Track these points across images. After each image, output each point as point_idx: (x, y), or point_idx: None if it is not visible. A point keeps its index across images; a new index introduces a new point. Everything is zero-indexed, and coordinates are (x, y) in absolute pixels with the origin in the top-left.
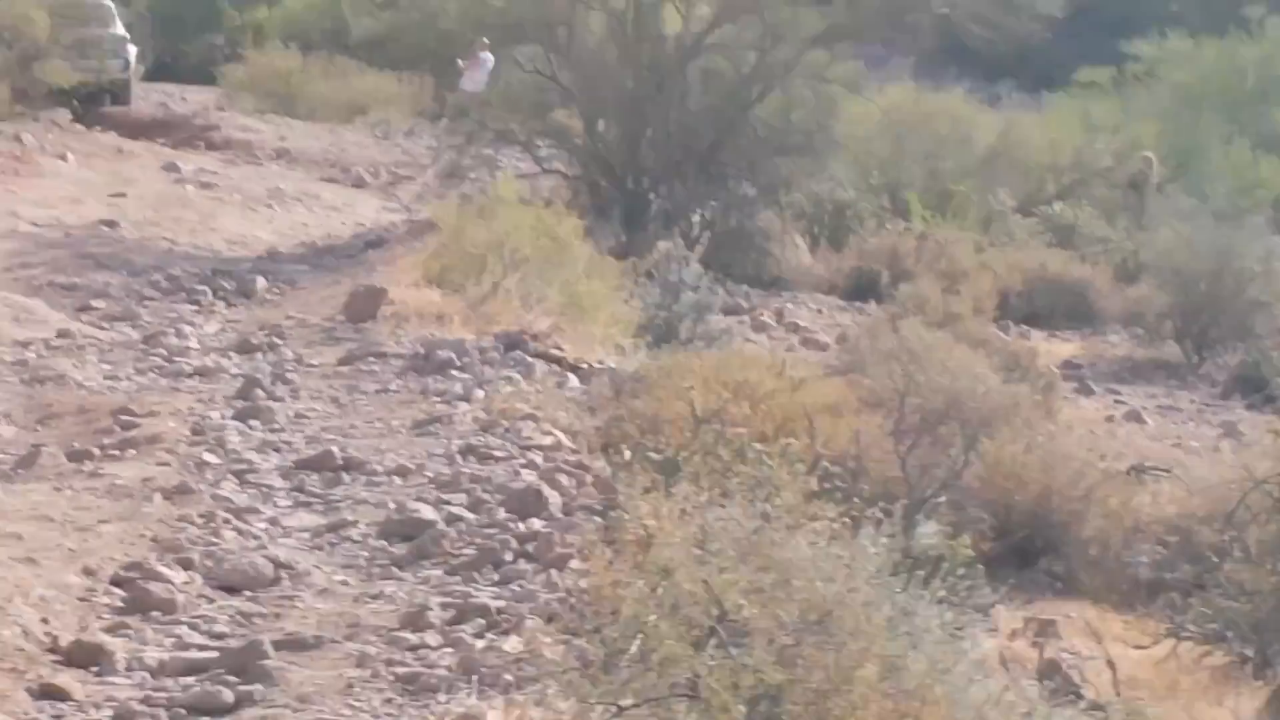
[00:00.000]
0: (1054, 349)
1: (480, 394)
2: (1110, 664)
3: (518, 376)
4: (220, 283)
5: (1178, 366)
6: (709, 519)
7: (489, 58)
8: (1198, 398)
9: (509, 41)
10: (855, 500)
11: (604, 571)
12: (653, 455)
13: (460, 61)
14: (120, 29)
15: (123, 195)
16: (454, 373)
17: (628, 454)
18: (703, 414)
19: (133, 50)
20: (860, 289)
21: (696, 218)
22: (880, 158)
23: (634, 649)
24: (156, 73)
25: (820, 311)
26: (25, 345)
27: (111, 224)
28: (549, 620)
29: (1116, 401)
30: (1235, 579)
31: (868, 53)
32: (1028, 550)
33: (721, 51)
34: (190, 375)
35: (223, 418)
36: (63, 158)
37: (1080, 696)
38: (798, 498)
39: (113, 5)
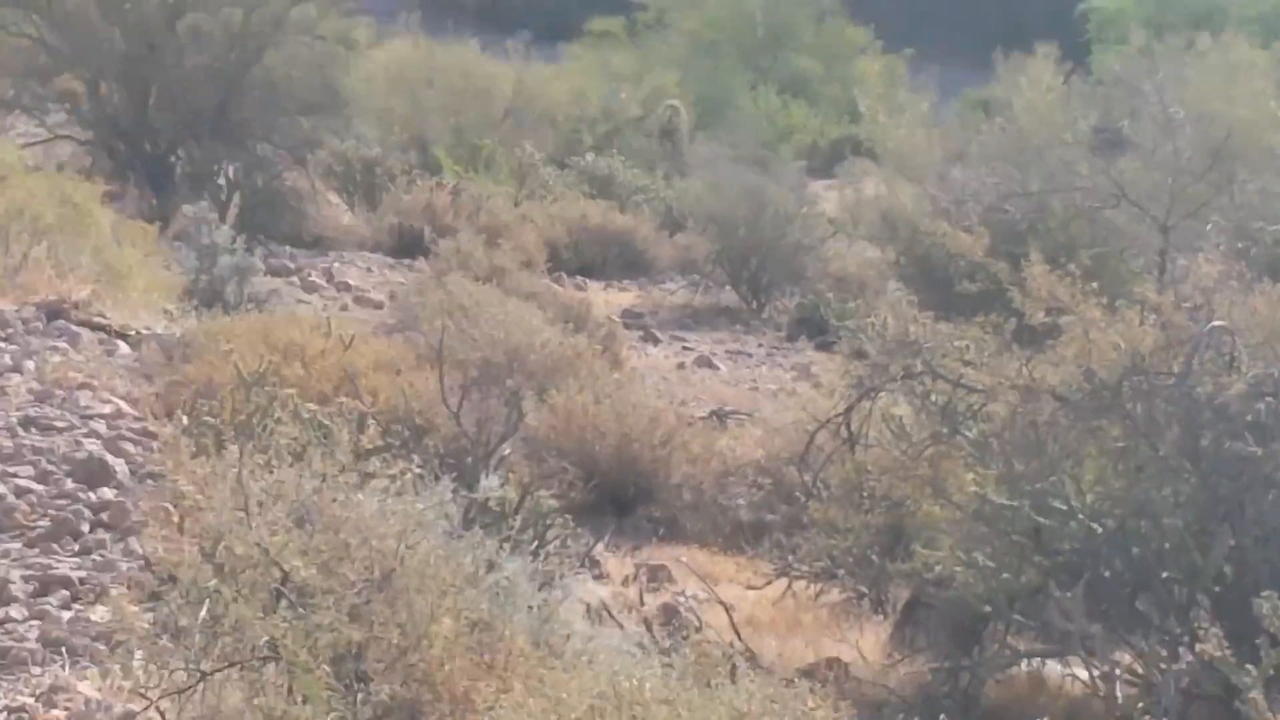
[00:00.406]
0: (612, 299)
1: (30, 365)
2: (725, 606)
3: (65, 346)
4: None
5: (739, 311)
6: (261, 482)
7: None
8: (765, 342)
9: None
10: (415, 458)
11: (160, 539)
12: (208, 420)
13: None
14: None
15: None
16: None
17: (184, 420)
18: (250, 377)
19: None
20: (405, 246)
21: (222, 180)
22: (400, 114)
23: (204, 614)
24: None
25: (370, 270)
26: None
27: None
28: (130, 588)
29: (685, 349)
30: (827, 518)
31: (376, 6)
32: (622, 499)
33: (206, 8)
34: None
35: None
36: None
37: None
38: (350, 457)
39: None
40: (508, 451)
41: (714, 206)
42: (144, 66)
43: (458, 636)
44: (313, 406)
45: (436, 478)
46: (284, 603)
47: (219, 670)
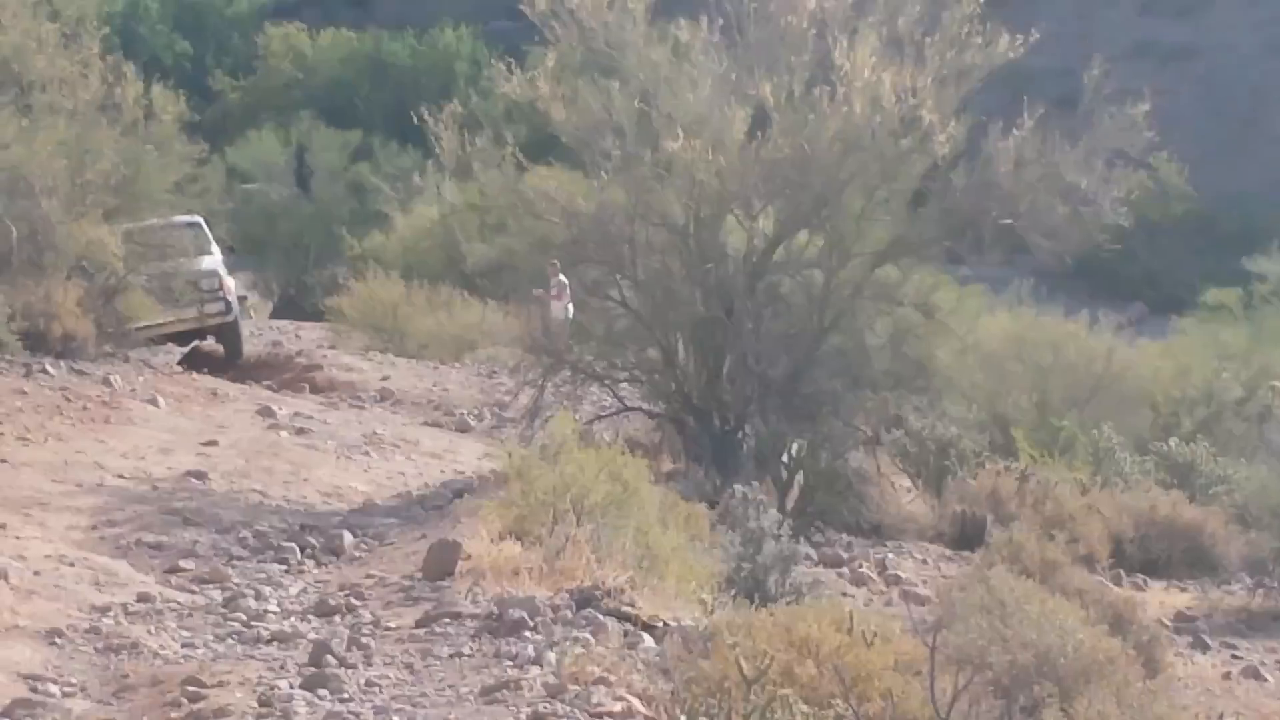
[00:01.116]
0: (1169, 599)
1: (551, 656)
2: None
3: (589, 637)
4: (309, 539)
5: None
6: None
7: (564, 280)
8: None
9: (574, 262)
10: None
11: None
12: None
13: (537, 291)
14: (213, 262)
15: (214, 444)
16: (526, 634)
17: None
18: (752, 675)
19: (231, 286)
20: (966, 536)
21: (785, 458)
22: (985, 390)
23: None
24: (282, 308)
25: (925, 562)
26: (103, 611)
27: (201, 475)
28: None
29: (1234, 657)
30: None
31: (988, 274)
32: None
33: (787, 271)
34: (268, 641)
35: (291, 687)
36: (154, 403)
37: None
38: None
39: (205, 229)
40: None
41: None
42: (719, 332)
43: None
44: (805, 709)
45: None
46: None
47: None
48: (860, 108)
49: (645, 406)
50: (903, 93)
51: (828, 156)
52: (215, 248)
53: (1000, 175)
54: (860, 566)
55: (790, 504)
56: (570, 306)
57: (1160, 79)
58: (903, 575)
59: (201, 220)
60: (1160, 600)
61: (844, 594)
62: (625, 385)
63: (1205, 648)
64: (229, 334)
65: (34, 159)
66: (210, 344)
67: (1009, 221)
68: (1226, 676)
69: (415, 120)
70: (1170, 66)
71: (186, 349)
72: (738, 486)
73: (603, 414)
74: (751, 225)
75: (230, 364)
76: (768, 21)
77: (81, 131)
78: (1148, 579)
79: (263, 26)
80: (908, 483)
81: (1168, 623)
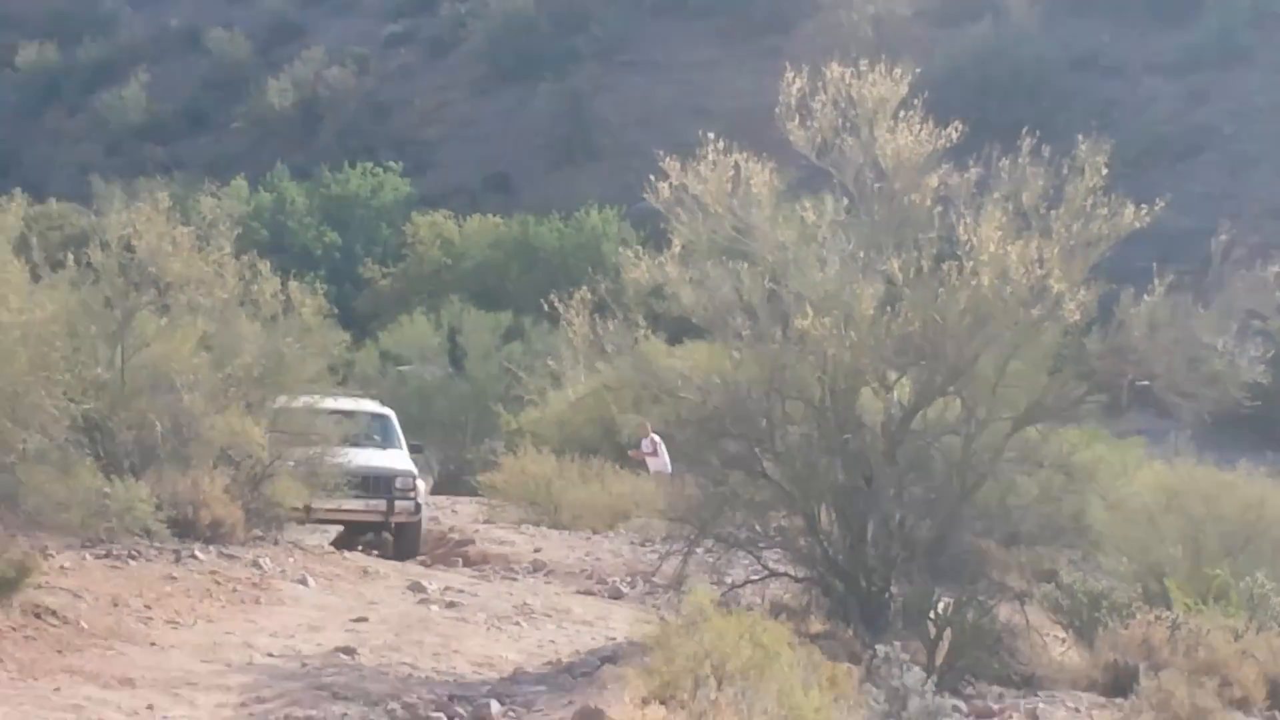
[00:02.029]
0: None
1: None
2: None
3: None
4: (457, 709)
5: None
6: None
7: (657, 438)
8: None
9: (711, 437)
10: None
11: None
12: None
13: (632, 451)
14: (405, 459)
15: (364, 620)
16: None
17: None
18: None
19: (424, 488)
20: (1118, 685)
21: (933, 615)
22: (1139, 540)
23: None
24: (442, 483)
25: (1078, 710)
26: None
27: (350, 651)
28: None
29: None
30: None
31: (1147, 425)
32: None
33: (925, 439)
34: None
35: None
36: (303, 582)
37: None
38: None
39: (394, 422)
40: None
41: None
42: (861, 499)
43: None
44: None
45: None
46: None
47: None
48: (988, 280)
49: (790, 571)
50: (1030, 264)
51: (959, 328)
52: (402, 442)
53: (1135, 339)
54: (1010, 717)
55: (939, 659)
56: (668, 461)
57: None
58: None
59: (391, 413)
60: None
61: None
62: (771, 550)
63: None
64: (409, 533)
65: (174, 355)
66: (376, 537)
67: (1146, 383)
68: None
69: (549, 306)
70: None
71: (343, 534)
72: (880, 646)
73: (752, 579)
74: (887, 396)
75: (400, 558)
76: (892, 200)
77: (220, 328)
78: None
79: (410, 216)
80: (1060, 634)
81: None
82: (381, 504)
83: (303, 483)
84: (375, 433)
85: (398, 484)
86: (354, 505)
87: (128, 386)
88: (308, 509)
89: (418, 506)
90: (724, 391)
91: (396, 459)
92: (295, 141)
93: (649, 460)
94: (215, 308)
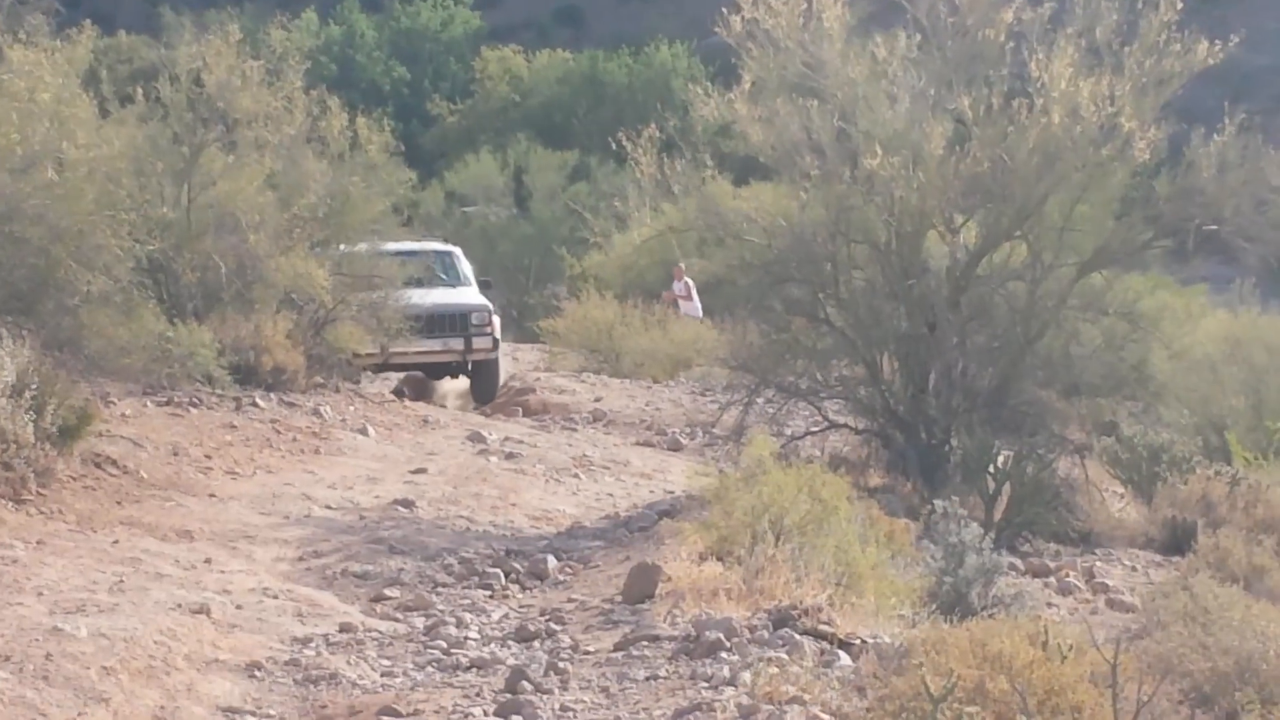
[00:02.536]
0: None
1: (746, 677)
2: None
3: (785, 656)
4: (513, 564)
5: None
6: None
7: (690, 281)
8: None
9: (775, 281)
10: None
11: None
12: None
13: (665, 294)
14: (476, 295)
15: (423, 471)
16: (722, 655)
17: None
18: (939, 693)
19: (498, 323)
20: (1177, 542)
21: (992, 469)
22: (1200, 393)
23: None
24: (505, 328)
25: (1134, 569)
26: (305, 643)
27: (408, 504)
28: None
29: None
30: None
31: (1213, 273)
32: None
33: (990, 284)
34: (467, 668)
35: (485, 714)
36: (363, 432)
37: None
38: None
39: (462, 259)
40: None
41: None
42: (924, 347)
43: None
44: None
45: None
46: None
47: None
48: (1058, 118)
49: (850, 423)
50: (1101, 101)
51: (1027, 168)
52: (472, 279)
53: (1203, 180)
54: (1067, 576)
55: (998, 515)
56: (699, 305)
57: None
58: (1110, 583)
59: (458, 250)
60: None
61: (1049, 604)
62: (832, 401)
63: None
64: (488, 372)
65: (240, 194)
66: (455, 380)
67: (1213, 227)
68: None
69: (618, 144)
70: None
71: (417, 379)
72: (938, 501)
73: (811, 430)
74: (953, 240)
75: (480, 402)
76: (965, 35)
77: (287, 165)
78: None
79: (479, 51)
80: (1119, 489)
81: None
82: (458, 342)
83: (365, 328)
84: (443, 270)
85: (474, 320)
86: (429, 345)
87: (193, 226)
88: (383, 353)
89: (495, 343)
90: (789, 234)
91: (468, 295)
92: None
93: (681, 303)
94: (282, 145)
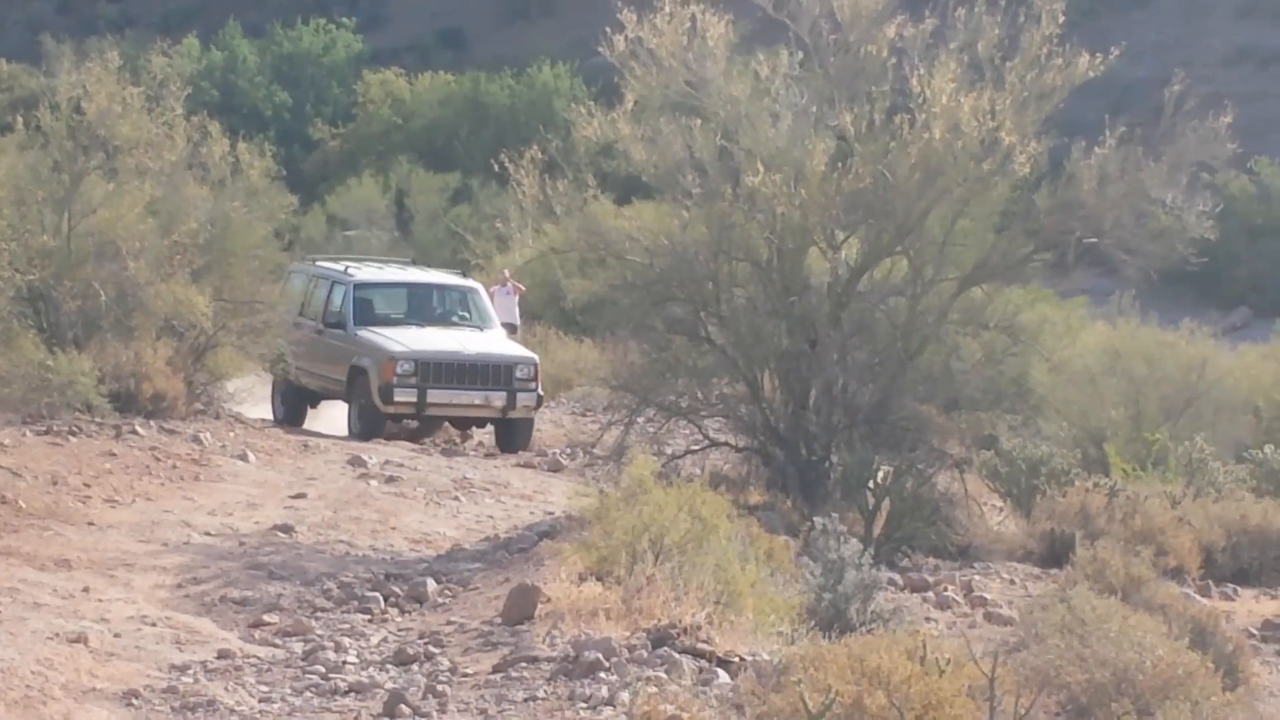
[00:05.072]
0: (1257, 608)
1: (624, 697)
2: None
3: (663, 675)
4: (393, 588)
5: None
6: None
7: (508, 289)
8: None
9: (656, 300)
10: None
11: None
12: None
13: (492, 289)
14: (516, 343)
15: (303, 496)
16: (601, 675)
17: None
18: (816, 709)
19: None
20: (1055, 555)
21: (872, 485)
22: (1077, 405)
23: None
24: None
25: (1013, 582)
26: (183, 670)
27: (288, 529)
28: None
29: None
30: None
31: (1092, 285)
32: None
33: (871, 300)
34: (345, 692)
35: None
36: (243, 458)
37: None
38: None
39: (485, 297)
40: None
41: None
42: (805, 364)
43: None
44: None
45: None
46: None
47: None
48: (940, 133)
49: (731, 441)
50: (982, 116)
51: (909, 184)
52: (496, 320)
53: (1084, 194)
54: (945, 590)
55: (877, 530)
56: (515, 310)
57: (1259, 83)
58: (988, 597)
59: (479, 286)
60: (1249, 609)
61: (928, 619)
62: (713, 420)
63: None
64: (523, 428)
65: (121, 222)
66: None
67: (1094, 240)
68: None
69: (500, 165)
70: (1271, 70)
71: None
72: (818, 518)
73: (692, 449)
74: (835, 256)
75: (506, 453)
76: (847, 52)
77: (168, 192)
78: (1238, 588)
79: (361, 74)
80: (999, 502)
81: (1255, 631)
82: (500, 398)
83: (245, 353)
84: (463, 309)
85: (519, 373)
86: (469, 399)
87: (74, 254)
88: (419, 401)
89: (539, 400)
90: (671, 253)
91: (508, 344)
92: None
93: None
94: (163, 171)
